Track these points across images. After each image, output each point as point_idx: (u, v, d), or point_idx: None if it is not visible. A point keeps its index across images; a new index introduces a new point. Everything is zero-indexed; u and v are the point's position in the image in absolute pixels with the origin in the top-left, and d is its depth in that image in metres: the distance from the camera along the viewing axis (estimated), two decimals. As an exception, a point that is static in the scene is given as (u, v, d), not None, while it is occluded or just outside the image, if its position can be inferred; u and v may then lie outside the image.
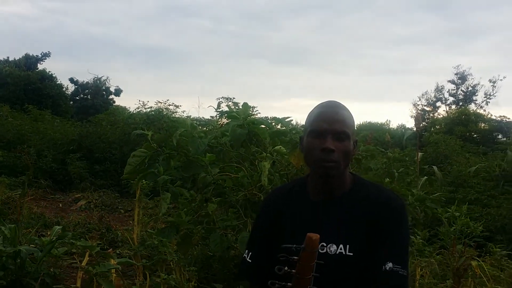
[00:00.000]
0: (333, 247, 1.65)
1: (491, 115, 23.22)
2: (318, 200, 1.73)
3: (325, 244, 1.65)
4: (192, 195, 3.52)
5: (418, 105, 31.45)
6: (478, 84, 31.07)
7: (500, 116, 22.07)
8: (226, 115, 3.74)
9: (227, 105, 3.91)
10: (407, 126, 27.02)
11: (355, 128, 1.77)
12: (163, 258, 3.50)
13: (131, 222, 6.74)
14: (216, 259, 3.85)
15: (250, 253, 1.78)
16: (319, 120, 1.67)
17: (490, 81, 30.65)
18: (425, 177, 6.20)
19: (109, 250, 3.40)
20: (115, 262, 3.08)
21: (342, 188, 1.72)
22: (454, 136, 15.08)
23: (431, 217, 4.81)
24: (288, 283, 1.23)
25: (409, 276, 1.73)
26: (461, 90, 31.54)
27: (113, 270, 3.02)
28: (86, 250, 3.41)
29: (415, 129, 6.87)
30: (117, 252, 5.26)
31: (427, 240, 4.69)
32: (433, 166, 6.33)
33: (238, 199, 3.44)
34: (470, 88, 31.32)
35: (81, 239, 4.18)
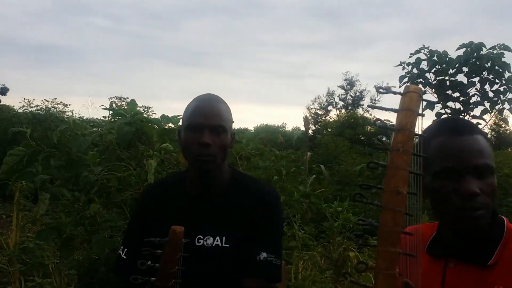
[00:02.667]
0: (210, 240, 1.67)
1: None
2: (196, 194, 1.75)
3: (201, 237, 1.68)
4: (75, 195, 3.36)
5: (312, 108, 32.92)
6: (365, 89, 33.30)
7: (385, 120, 23.69)
8: (111, 112, 3.63)
9: (114, 103, 3.78)
10: (301, 129, 28.13)
11: (233, 121, 1.81)
12: (39, 262, 3.31)
13: (12, 227, 6.29)
14: (102, 262, 3.70)
15: (126, 249, 1.75)
16: (195, 114, 1.68)
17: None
18: (314, 175, 6.49)
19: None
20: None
21: (220, 182, 1.75)
22: (343, 138, 15.97)
23: (319, 214, 5.05)
24: (152, 278, 1.21)
25: (282, 266, 1.81)
26: (350, 95, 33.57)
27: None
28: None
29: (303, 129, 7.19)
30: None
31: (315, 235, 4.92)
32: (321, 165, 6.65)
33: (125, 199, 3.35)
34: (358, 94, 33.43)
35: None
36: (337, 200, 4.63)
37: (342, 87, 33.55)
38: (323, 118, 31.41)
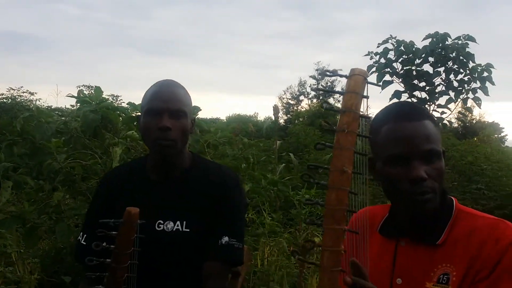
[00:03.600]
0: (170, 224, 1.68)
1: (347, 108, 25.24)
2: (157, 179, 1.75)
3: (162, 222, 1.68)
4: (39, 184, 3.31)
5: (284, 98, 33.05)
6: (336, 79, 33.54)
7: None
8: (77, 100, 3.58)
9: (81, 92, 3.72)
10: (273, 119, 28.20)
11: (192, 106, 1.81)
12: (2, 251, 3.26)
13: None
14: (68, 251, 3.67)
15: (85, 235, 1.73)
16: (155, 99, 1.68)
17: (346, 77, 33.37)
18: (283, 164, 6.53)
19: None
20: None
21: (181, 166, 1.76)
22: (314, 127, 16.07)
23: (288, 202, 5.10)
24: (108, 259, 1.22)
25: (245, 249, 1.83)
26: (321, 85, 33.76)
27: None
28: None
29: (273, 118, 7.23)
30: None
31: (284, 223, 4.96)
32: (290, 154, 6.70)
33: (90, 187, 3.31)
34: (329, 84, 33.63)
35: None
36: (304, 187, 4.68)
37: (313, 77, 33.78)
38: (295, 108, 31.58)
